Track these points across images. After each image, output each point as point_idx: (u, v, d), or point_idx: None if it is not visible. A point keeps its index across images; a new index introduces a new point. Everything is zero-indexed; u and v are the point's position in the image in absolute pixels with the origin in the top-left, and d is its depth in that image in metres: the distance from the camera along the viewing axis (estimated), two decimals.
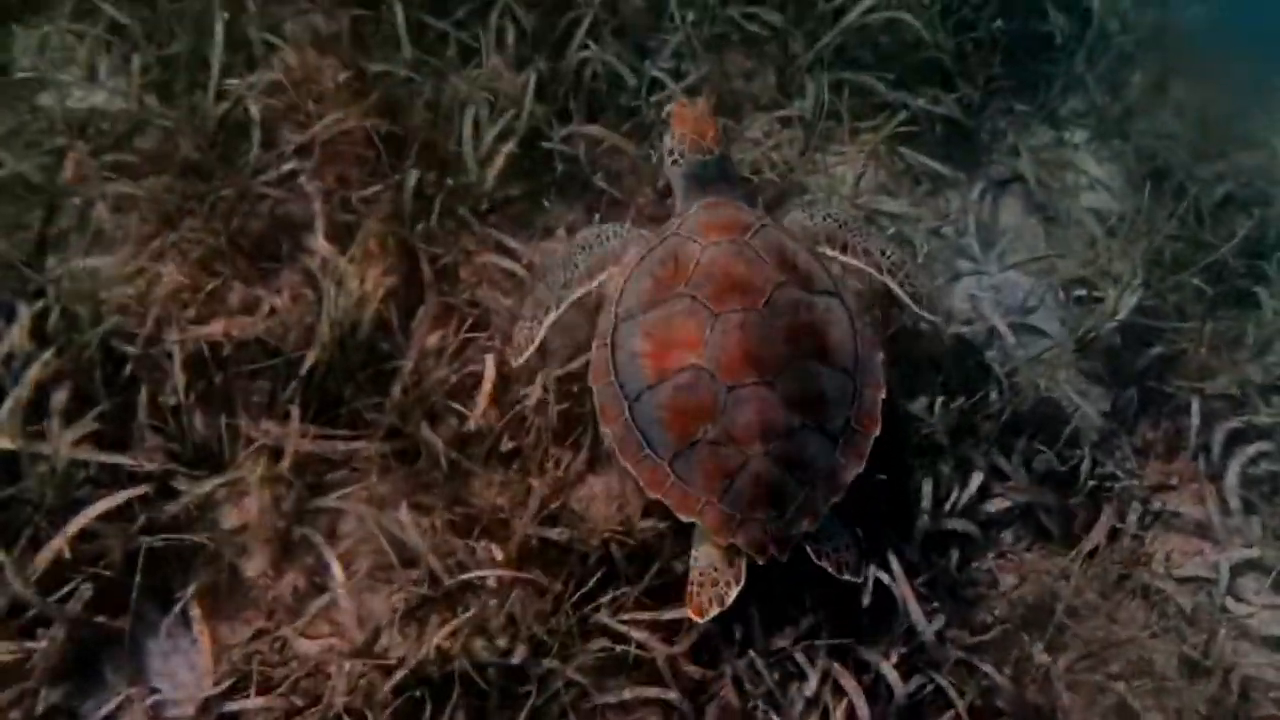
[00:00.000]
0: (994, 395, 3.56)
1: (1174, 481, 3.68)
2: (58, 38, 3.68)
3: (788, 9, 4.30)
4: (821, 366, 3.01)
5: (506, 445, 3.22)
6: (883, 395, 3.09)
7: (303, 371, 3.11)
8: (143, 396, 2.93)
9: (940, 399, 3.39)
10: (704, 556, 2.97)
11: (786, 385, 2.93)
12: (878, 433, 3.04)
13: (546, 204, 3.76)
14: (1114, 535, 3.49)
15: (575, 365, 3.27)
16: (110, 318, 3.03)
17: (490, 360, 3.30)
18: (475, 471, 3.13)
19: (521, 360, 3.23)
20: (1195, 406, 3.73)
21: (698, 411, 2.92)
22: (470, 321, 3.39)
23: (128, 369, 2.99)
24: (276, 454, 3.01)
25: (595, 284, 3.26)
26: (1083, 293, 3.91)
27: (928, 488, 3.26)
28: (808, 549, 2.94)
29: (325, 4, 3.94)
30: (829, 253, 3.34)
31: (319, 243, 3.33)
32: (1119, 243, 3.98)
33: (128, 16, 3.60)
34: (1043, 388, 3.61)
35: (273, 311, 3.22)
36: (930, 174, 4.05)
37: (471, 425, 3.20)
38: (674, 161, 3.39)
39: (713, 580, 2.94)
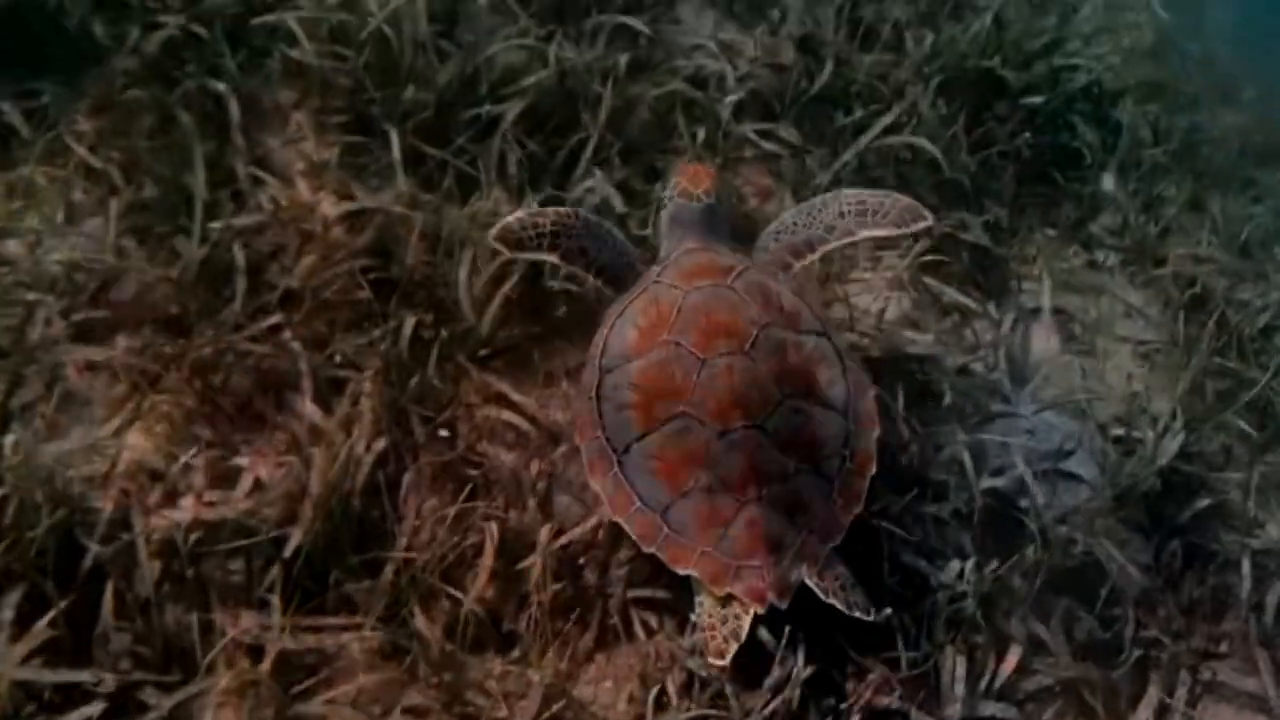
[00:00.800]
0: (1029, 552, 3.38)
1: (1224, 648, 3.51)
2: (26, 181, 3.56)
3: (804, 125, 4.21)
4: (813, 407, 3.06)
5: (507, 626, 3.07)
6: (877, 434, 3.13)
7: (286, 554, 2.94)
8: (107, 594, 2.76)
9: (972, 561, 3.21)
10: (709, 598, 2.96)
11: (778, 428, 2.97)
12: (874, 472, 3.08)
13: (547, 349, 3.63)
14: (1163, 711, 3.30)
15: (580, 531, 3.18)
16: (74, 497, 2.89)
17: (491, 531, 3.15)
18: (471, 664, 2.94)
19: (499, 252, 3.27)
20: (1245, 564, 3.55)
21: (688, 460, 2.95)
22: (470, 485, 3.24)
23: (89, 558, 2.82)
24: (256, 651, 2.83)
25: (590, 275, 3.32)
26: (1121, 432, 3.75)
27: (961, 669, 3.08)
28: (812, 586, 2.93)
29: (316, 130, 3.81)
30: (808, 261, 3.42)
31: (305, 406, 3.19)
32: (1157, 377, 3.83)
33: (102, 160, 3.47)
34: (1081, 542, 3.43)
35: (255, 486, 3.06)
36: (957, 305, 3.89)
37: (468, 606, 3.03)
38: (660, 206, 3.49)
39: (723, 618, 2.92)
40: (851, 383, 3.15)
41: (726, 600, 2.91)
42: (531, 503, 3.22)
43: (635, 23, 4.33)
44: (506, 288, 3.50)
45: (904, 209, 3.40)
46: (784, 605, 2.89)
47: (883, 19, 4.57)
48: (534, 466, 3.31)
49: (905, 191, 4.06)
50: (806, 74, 4.36)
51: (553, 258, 3.29)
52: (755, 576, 2.89)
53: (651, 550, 2.94)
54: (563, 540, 3.12)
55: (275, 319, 3.33)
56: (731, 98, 4.20)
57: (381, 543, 3.07)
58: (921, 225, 3.39)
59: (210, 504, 3.01)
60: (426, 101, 3.83)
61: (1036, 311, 4.03)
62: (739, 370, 2.98)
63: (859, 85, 4.34)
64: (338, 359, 3.33)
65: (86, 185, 3.54)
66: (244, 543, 2.93)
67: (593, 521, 3.17)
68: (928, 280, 3.93)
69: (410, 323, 3.40)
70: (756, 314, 3.10)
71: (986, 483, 3.49)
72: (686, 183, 3.42)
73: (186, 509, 2.98)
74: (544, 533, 3.09)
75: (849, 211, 3.42)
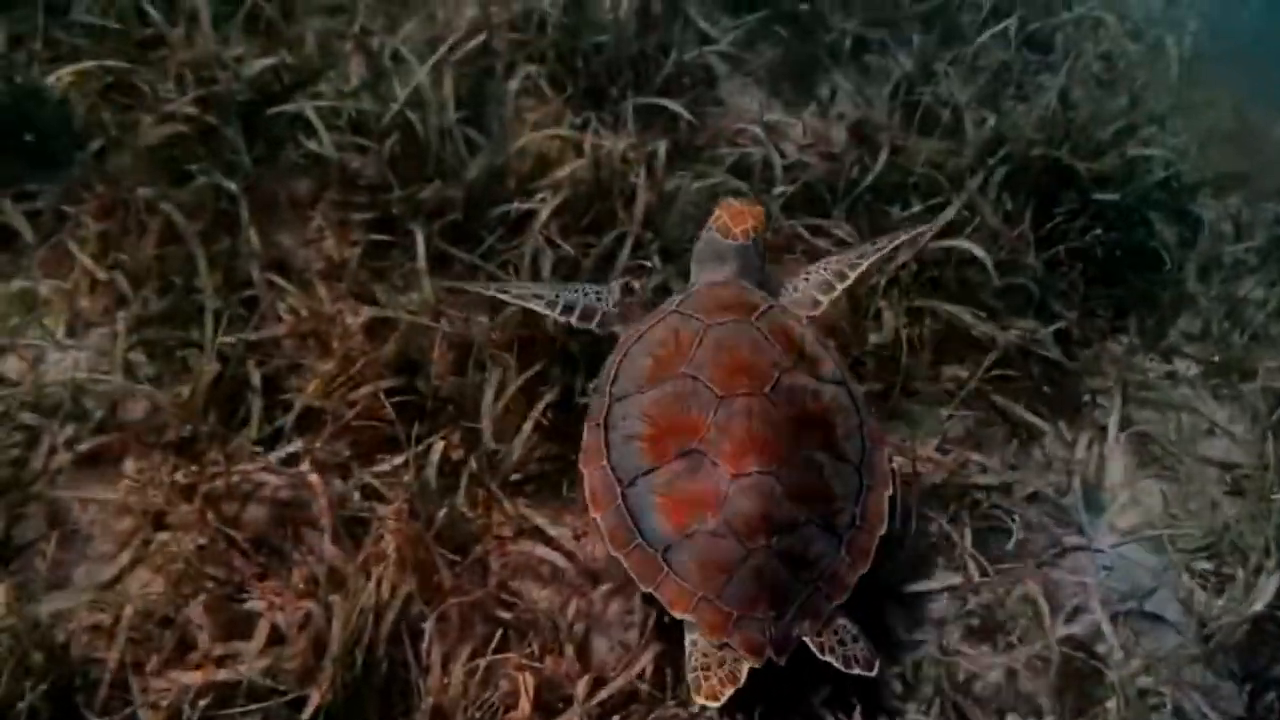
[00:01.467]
0: (1110, 707, 3.15)
1: None
2: (27, 291, 3.41)
3: (858, 219, 4.00)
4: (828, 458, 3.03)
5: None
6: (889, 493, 3.13)
7: (304, 718, 2.73)
8: None
9: None
10: (698, 650, 2.90)
11: (791, 477, 2.93)
12: (884, 530, 3.05)
13: None
14: None
15: (621, 683, 2.98)
16: (73, 658, 2.72)
17: (526, 683, 2.97)
18: None
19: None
20: None
21: (697, 500, 2.90)
22: (501, 629, 3.04)
23: None
24: None
25: (561, 317, 3.31)
26: (1209, 568, 3.53)
27: None
28: (809, 643, 2.89)
29: (336, 228, 3.63)
30: (835, 294, 3.42)
31: (325, 546, 2.98)
32: (1248, 505, 3.61)
33: (108, 267, 3.29)
34: (1167, 696, 3.19)
35: (271, 634, 2.85)
36: (1025, 423, 3.67)
37: None
38: (694, 237, 3.49)
39: (720, 659, 2.87)
40: (867, 437, 3.15)
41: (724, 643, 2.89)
42: (569, 650, 3.03)
43: (675, 106, 4.16)
44: (538, 409, 3.31)
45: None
46: (781, 662, 2.86)
47: (940, 100, 4.38)
48: (571, 608, 3.12)
49: (967, 296, 3.93)
50: (859, 162, 4.17)
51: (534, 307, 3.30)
52: (756, 629, 2.85)
53: (648, 590, 2.90)
54: (603, 694, 2.93)
55: (292, 447, 3.14)
56: (780, 189, 4.01)
57: (406, 697, 2.90)
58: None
59: (222, 660, 2.81)
60: (454, 199, 3.67)
61: (1110, 430, 3.80)
62: (757, 413, 2.94)
63: (916, 176, 4.14)
64: (362, 486, 3.15)
65: (91, 296, 3.37)
66: (258, 706, 2.74)
67: (635, 669, 2.98)
68: (994, 397, 3.71)
69: (438, 449, 3.26)
70: (779, 356, 3.09)
71: (1062, 629, 3.27)
72: (727, 219, 3.38)
73: (196, 668, 2.78)
74: (581, 686, 2.92)
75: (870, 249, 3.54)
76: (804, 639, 2.88)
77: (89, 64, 3.65)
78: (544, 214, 3.74)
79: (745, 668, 2.83)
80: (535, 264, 3.68)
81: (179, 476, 3.08)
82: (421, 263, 3.56)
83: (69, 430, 3.08)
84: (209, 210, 3.55)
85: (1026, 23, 4.71)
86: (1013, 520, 3.43)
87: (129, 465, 3.13)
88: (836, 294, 3.43)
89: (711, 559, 2.86)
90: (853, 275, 3.46)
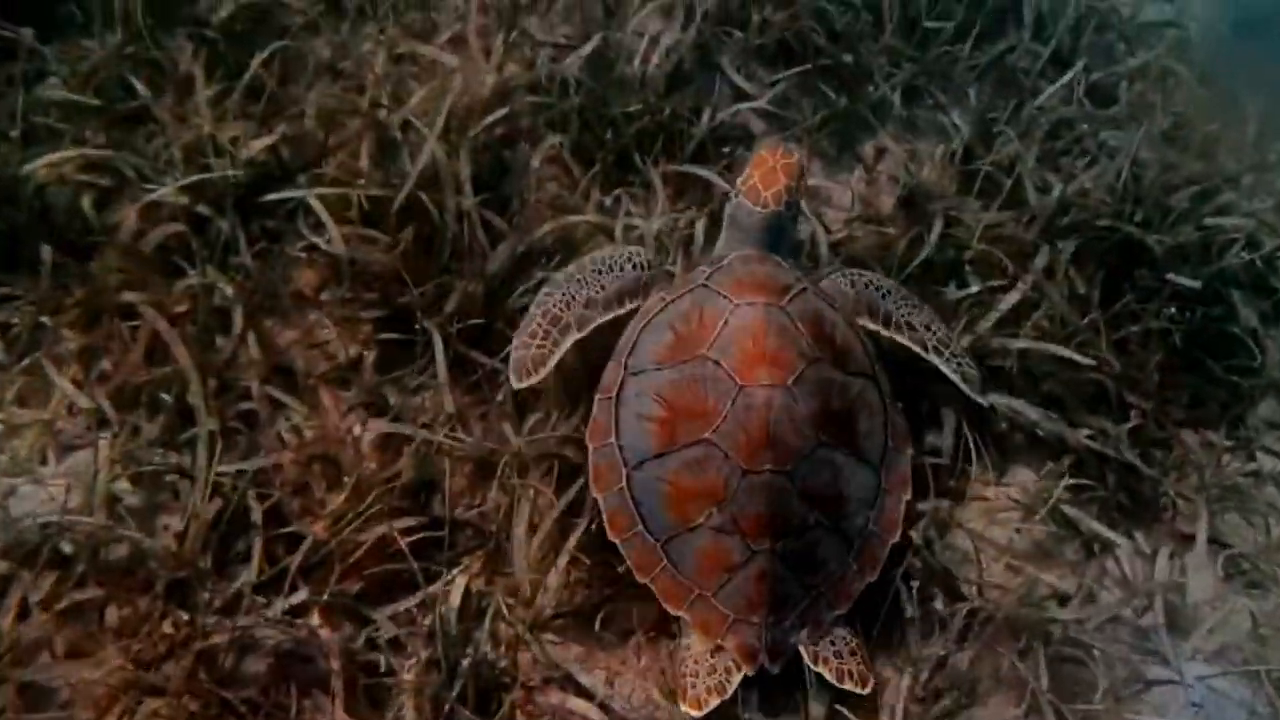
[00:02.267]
0: None
1: None
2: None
3: None
4: (847, 458, 2.97)
5: None
6: (907, 497, 3.08)
7: None
8: None
9: None
10: (698, 643, 2.87)
11: (806, 475, 2.87)
12: (896, 539, 3.01)
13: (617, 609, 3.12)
14: None
15: None
16: None
17: None
18: None
19: (526, 385, 3.08)
20: None
21: (705, 493, 2.84)
22: None
23: None
24: None
25: (622, 311, 3.16)
26: None
27: None
28: (802, 651, 2.85)
29: (343, 326, 3.33)
30: (870, 326, 3.31)
31: (337, 714, 2.69)
32: None
33: (90, 388, 2.99)
34: None
35: None
36: (1099, 536, 3.37)
37: None
38: (727, 197, 3.34)
39: (710, 668, 2.82)
40: (891, 436, 3.09)
41: (717, 649, 2.83)
42: None
43: (711, 175, 3.83)
44: (572, 541, 3.00)
45: (976, 376, 3.40)
46: (775, 670, 2.83)
47: (998, 164, 4.04)
48: None
49: (1032, 388, 3.61)
50: (909, 233, 3.83)
51: (571, 340, 3.11)
52: (752, 634, 2.82)
53: (644, 581, 2.86)
54: None
55: (298, 597, 2.84)
56: (827, 271, 3.70)
57: None
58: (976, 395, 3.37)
59: None
60: (474, 295, 3.34)
61: (1192, 540, 3.50)
62: (778, 407, 2.84)
63: (973, 250, 3.81)
64: (377, 642, 2.84)
65: (71, 417, 3.06)
66: None
67: None
68: (1064, 507, 3.41)
69: (459, 586, 2.96)
70: (807, 345, 2.98)
71: None
72: (757, 180, 3.20)
73: None
74: None
75: (934, 334, 3.38)
76: (800, 650, 2.85)
77: (70, 153, 3.32)
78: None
79: (735, 680, 2.79)
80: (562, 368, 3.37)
81: (168, 627, 2.78)
82: (443, 374, 3.24)
83: (44, 588, 2.74)
84: (202, 311, 3.24)
85: (1089, 71, 4.37)
86: (1093, 656, 3.14)
87: (111, 614, 2.80)
88: (872, 328, 3.29)
89: (713, 556, 2.82)
90: (891, 334, 3.31)
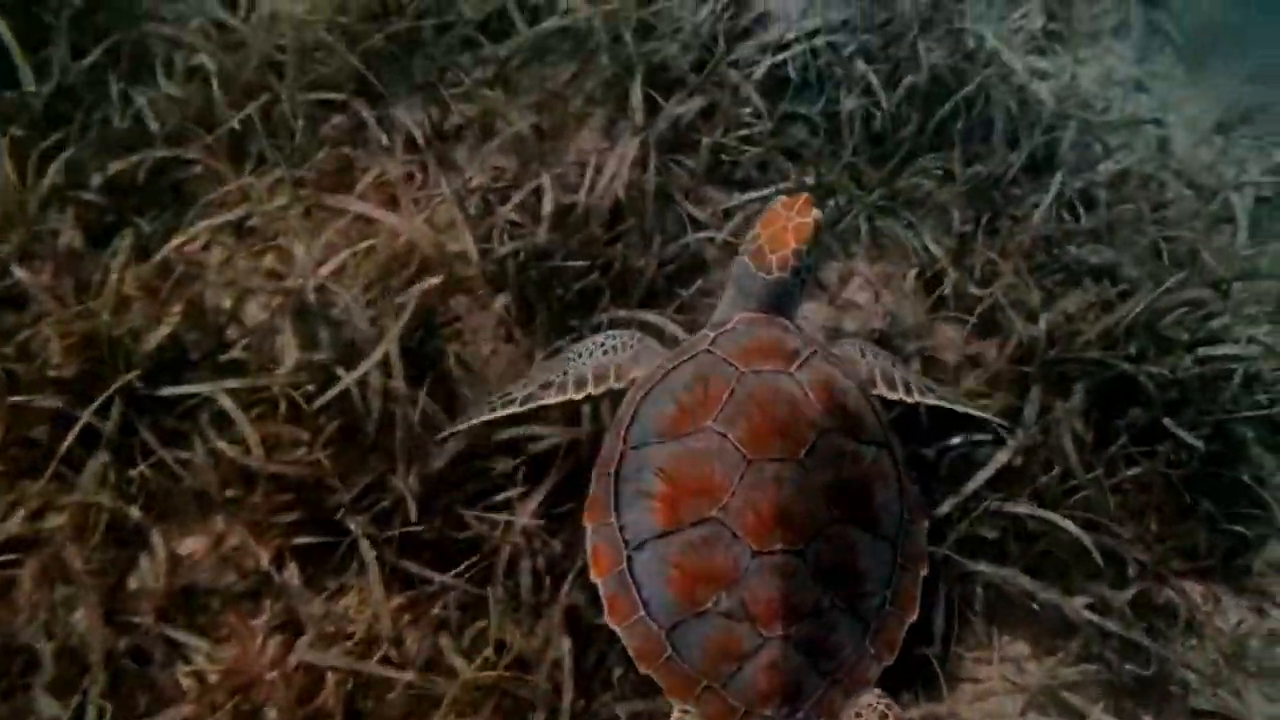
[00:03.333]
0: None
1: None
2: None
3: None
4: (862, 534, 2.83)
5: None
6: (924, 572, 2.95)
7: None
8: None
9: None
10: None
11: (820, 554, 2.74)
12: (914, 619, 2.87)
13: None
14: None
15: None
16: None
17: None
18: None
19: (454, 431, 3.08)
20: None
21: (712, 576, 2.70)
22: None
23: None
24: None
25: (579, 396, 3.02)
26: None
27: None
28: None
29: (254, 533, 3.00)
30: (889, 395, 3.17)
31: None
32: None
33: None
34: None
35: None
36: None
37: None
38: (736, 254, 3.18)
39: None
40: (906, 508, 2.96)
41: None
42: None
43: (661, 320, 3.50)
44: None
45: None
46: None
47: (974, 283, 3.76)
48: None
49: (1024, 549, 3.33)
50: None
51: (509, 411, 3.02)
52: None
53: (647, 672, 2.71)
54: None
55: None
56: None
57: None
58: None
59: None
60: (412, 491, 2.98)
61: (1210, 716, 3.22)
62: (789, 482, 2.72)
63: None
64: None
65: None
66: None
67: None
68: (1064, 694, 3.12)
69: None
70: (818, 414, 2.84)
71: None
72: (765, 242, 3.04)
73: None
74: None
75: (954, 399, 3.35)
76: None
77: None
78: (528, 511, 3.05)
79: None
80: (514, 568, 3.01)
81: None
82: (377, 592, 2.86)
83: None
84: (94, 533, 2.89)
85: (1067, 179, 4.10)
86: None
87: None
88: (888, 395, 3.15)
89: (721, 644, 2.68)
90: (913, 398, 3.18)
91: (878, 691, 2.76)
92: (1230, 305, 3.73)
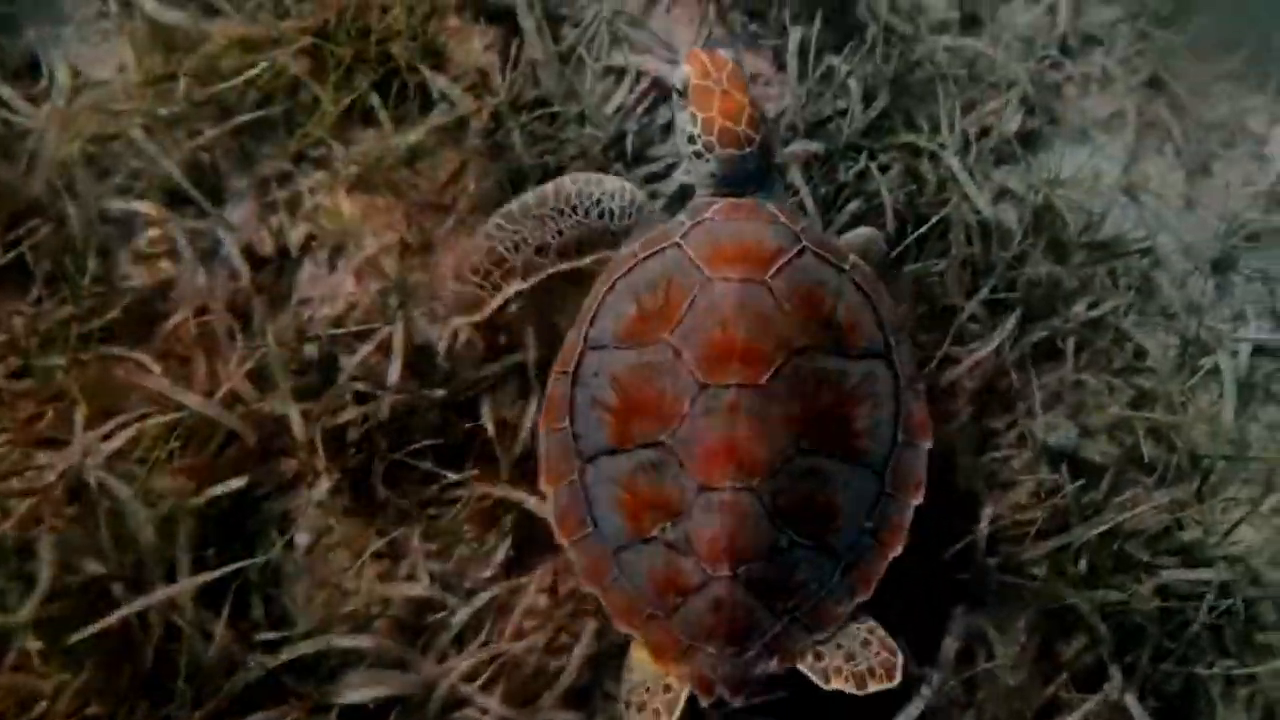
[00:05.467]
0: None
1: None
2: None
3: None
4: (839, 464, 2.62)
5: None
6: (918, 501, 2.68)
7: None
8: None
9: None
10: (640, 670, 2.62)
11: (780, 491, 2.53)
12: (899, 552, 2.65)
13: None
14: None
15: None
16: None
17: None
18: None
19: (463, 323, 2.97)
20: None
21: (657, 504, 2.56)
22: None
23: None
24: None
25: (582, 263, 2.87)
26: None
27: None
28: (806, 672, 2.54)
29: None
30: None
31: None
32: None
33: None
34: None
35: None
36: None
37: None
38: (698, 154, 2.80)
39: (664, 685, 2.56)
40: (903, 429, 2.70)
41: (667, 676, 2.58)
42: None
43: (526, 503, 2.95)
44: None
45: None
46: (737, 703, 2.57)
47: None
48: None
49: None
50: None
51: (514, 289, 2.90)
52: (706, 664, 2.55)
53: (592, 591, 2.63)
54: None
55: None
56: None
57: None
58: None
59: None
60: None
61: None
62: (745, 412, 2.50)
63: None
64: None
65: None
66: None
67: None
68: None
69: None
70: (792, 330, 2.59)
71: None
72: (721, 115, 2.70)
73: None
74: None
75: None
76: (801, 669, 2.55)
77: None
78: None
79: (682, 702, 2.52)
80: None
81: None
82: None
83: None
84: None
85: (1026, 322, 3.54)
86: None
87: None
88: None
89: (666, 574, 2.55)
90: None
91: (870, 622, 2.60)
92: (1205, 509, 3.19)
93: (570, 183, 2.89)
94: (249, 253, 3.18)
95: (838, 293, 2.67)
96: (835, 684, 2.50)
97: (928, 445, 2.72)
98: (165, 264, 3.14)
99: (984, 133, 3.74)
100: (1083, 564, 3.05)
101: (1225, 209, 3.90)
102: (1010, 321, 3.48)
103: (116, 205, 3.11)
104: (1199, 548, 3.16)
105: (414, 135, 3.26)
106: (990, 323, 3.56)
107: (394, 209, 3.32)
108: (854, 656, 2.53)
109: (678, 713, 2.52)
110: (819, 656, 2.56)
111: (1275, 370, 3.73)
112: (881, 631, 2.58)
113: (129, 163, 3.17)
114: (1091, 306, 3.67)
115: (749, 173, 2.77)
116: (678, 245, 2.68)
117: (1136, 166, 3.82)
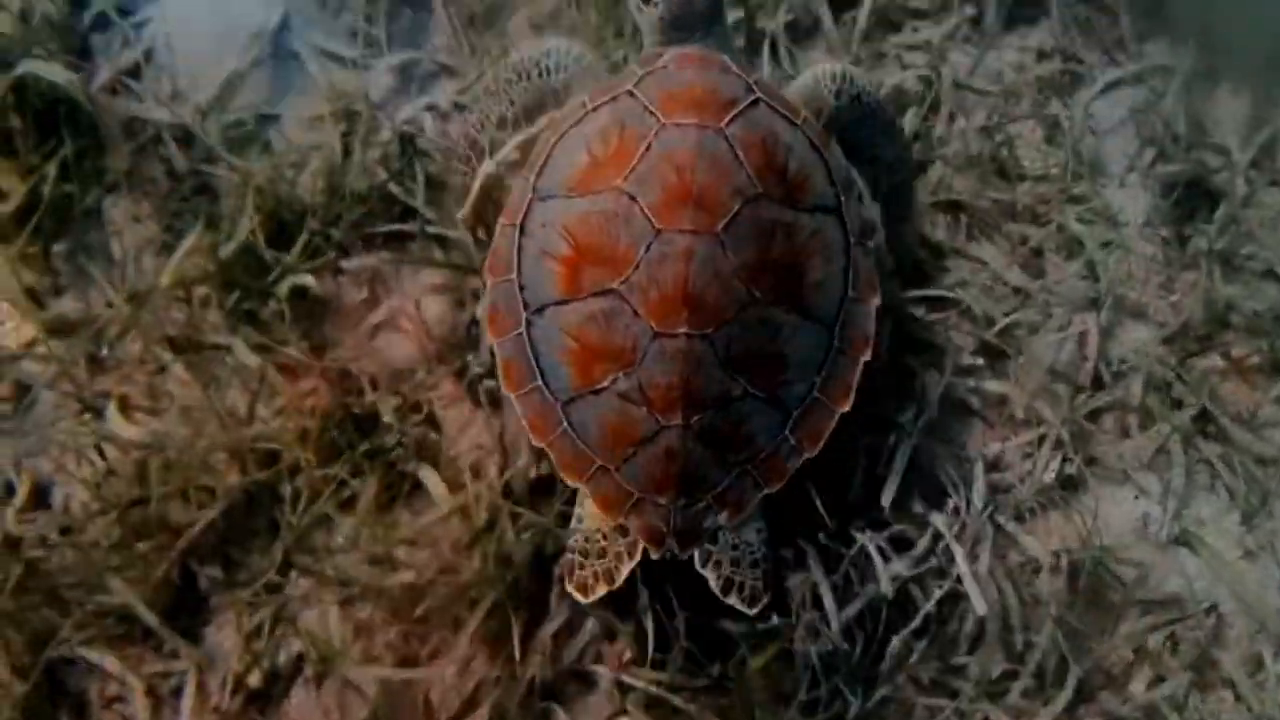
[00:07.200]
0: None
1: None
2: None
3: None
4: (790, 315, 2.68)
5: None
6: (866, 357, 2.76)
7: None
8: None
9: None
10: (592, 519, 2.70)
11: (733, 339, 2.60)
12: (848, 409, 2.72)
13: None
14: None
15: None
16: None
17: None
18: None
19: (463, 215, 3.16)
20: None
21: (609, 353, 2.62)
22: None
23: None
24: None
25: (535, 130, 2.96)
26: None
27: None
28: (696, 553, 2.61)
29: None
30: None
31: None
32: None
33: None
34: None
35: None
36: None
37: None
38: (646, 1, 2.94)
39: (600, 550, 2.67)
40: (852, 285, 2.79)
41: (613, 530, 2.65)
42: None
43: None
44: None
45: None
46: (685, 555, 2.64)
47: None
48: None
49: None
50: None
51: (487, 168, 3.07)
52: (657, 516, 2.65)
53: (539, 445, 2.67)
54: None
55: None
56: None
57: None
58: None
59: None
60: None
61: None
62: (700, 258, 2.57)
63: None
64: None
65: None
66: None
67: None
68: None
69: None
70: (746, 179, 2.65)
71: None
72: None
73: None
74: None
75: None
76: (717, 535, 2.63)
77: None
78: None
79: (626, 569, 2.61)
80: None
81: None
82: None
83: None
84: None
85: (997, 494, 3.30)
86: None
87: None
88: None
89: (617, 425, 2.62)
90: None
91: (761, 538, 2.73)
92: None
93: (518, 52, 3.07)
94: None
95: (790, 146, 2.75)
96: (707, 571, 2.64)
97: (877, 302, 2.80)
98: None
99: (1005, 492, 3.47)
100: None
101: None
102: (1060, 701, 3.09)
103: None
104: None
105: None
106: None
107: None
108: (737, 565, 2.67)
109: (638, 556, 2.61)
110: (715, 542, 2.66)
111: None
112: (768, 566, 2.70)
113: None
114: (1152, 685, 3.18)
115: (698, 14, 2.92)
116: (630, 94, 2.76)
117: (1188, 514, 3.47)
